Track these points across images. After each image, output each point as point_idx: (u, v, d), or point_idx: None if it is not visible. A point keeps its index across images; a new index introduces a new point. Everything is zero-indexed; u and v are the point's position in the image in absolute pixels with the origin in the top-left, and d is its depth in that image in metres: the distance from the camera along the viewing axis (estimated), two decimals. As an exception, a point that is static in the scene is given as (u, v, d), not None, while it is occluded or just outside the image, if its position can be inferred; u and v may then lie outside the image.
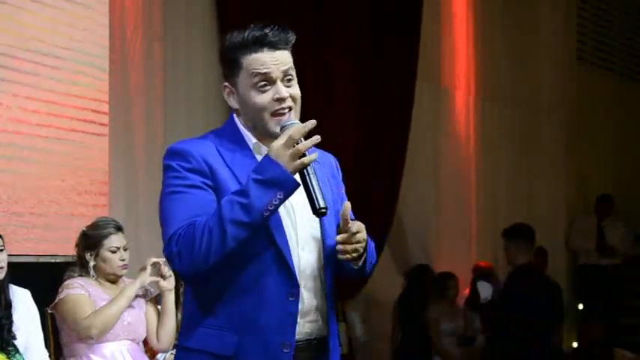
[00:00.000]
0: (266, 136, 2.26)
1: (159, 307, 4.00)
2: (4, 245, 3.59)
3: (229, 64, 2.27)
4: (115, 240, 3.84)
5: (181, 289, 4.14)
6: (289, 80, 2.26)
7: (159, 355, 4.02)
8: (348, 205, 2.23)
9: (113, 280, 3.88)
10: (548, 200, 8.78)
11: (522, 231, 6.11)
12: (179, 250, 2.12)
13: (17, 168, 4.52)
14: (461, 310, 7.08)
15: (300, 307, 2.22)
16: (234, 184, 2.18)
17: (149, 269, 3.89)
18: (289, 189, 2.11)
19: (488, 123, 8.11)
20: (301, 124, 2.16)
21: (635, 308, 8.82)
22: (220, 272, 2.15)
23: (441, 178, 7.58)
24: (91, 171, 4.86)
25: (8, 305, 3.53)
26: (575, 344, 8.62)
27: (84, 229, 3.89)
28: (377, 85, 6.71)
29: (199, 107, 5.63)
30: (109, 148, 4.96)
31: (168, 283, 3.92)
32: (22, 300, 3.65)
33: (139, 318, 3.86)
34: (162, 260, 3.96)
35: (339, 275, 2.38)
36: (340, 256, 2.22)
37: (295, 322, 2.21)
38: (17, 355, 3.47)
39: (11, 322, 3.51)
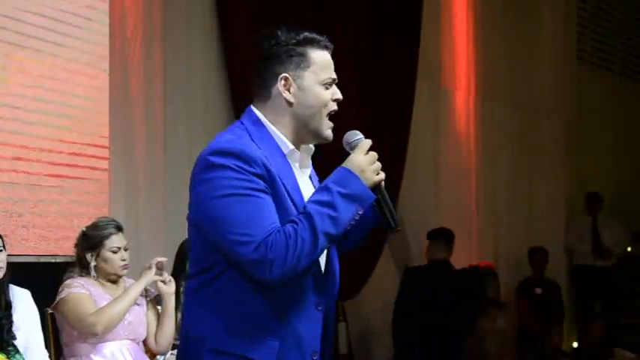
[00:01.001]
0: (312, 135, 2.30)
1: (158, 307, 3.99)
2: (4, 246, 3.58)
3: (295, 57, 2.27)
4: (115, 240, 3.83)
5: (182, 289, 4.14)
6: None
7: (159, 356, 4.01)
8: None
9: (114, 280, 3.88)
10: (548, 200, 8.78)
11: (443, 233, 6.80)
12: (273, 258, 2.09)
13: (17, 168, 4.52)
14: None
15: None
16: (283, 193, 2.19)
17: (154, 269, 3.88)
18: (368, 205, 2.18)
19: (488, 123, 8.10)
20: (369, 140, 2.24)
21: (635, 308, 8.82)
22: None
23: (441, 178, 7.58)
24: (90, 171, 4.86)
25: (8, 305, 3.53)
26: (575, 344, 8.62)
27: (83, 229, 3.88)
28: (377, 85, 6.71)
29: (199, 107, 5.62)
30: (109, 147, 4.96)
31: (169, 287, 3.92)
32: (22, 300, 3.64)
33: (139, 318, 3.85)
34: (165, 260, 3.96)
35: (351, 244, 2.45)
36: None
37: (321, 330, 2.27)
38: (17, 355, 3.47)
39: (11, 322, 3.50)
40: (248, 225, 2.10)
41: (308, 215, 2.11)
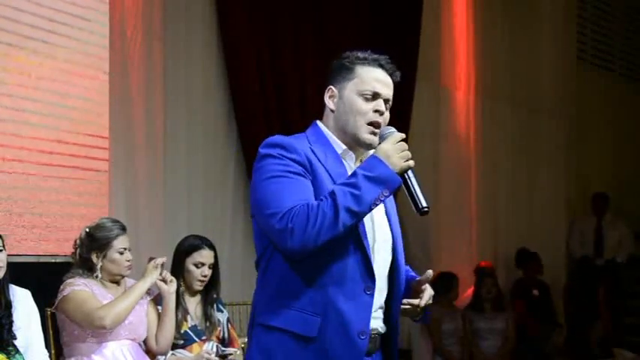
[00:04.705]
0: (352, 139, 2.50)
1: (158, 307, 3.99)
2: (4, 246, 3.57)
3: (342, 71, 2.56)
4: (122, 241, 3.84)
5: (182, 287, 4.14)
6: (386, 107, 2.54)
7: (159, 356, 4.00)
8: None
9: (117, 280, 3.87)
10: (548, 200, 8.77)
11: None
12: (293, 227, 2.27)
13: (17, 168, 4.52)
14: (461, 310, 7.08)
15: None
16: (329, 181, 2.39)
17: (159, 269, 3.88)
18: (394, 187, 2.37)
19: (488, 123, 8.10)
20: (400, 133, 2.43)
21: (635, 308, 8.82)
22: (311, 260, 2.33)
23: (441, 178, 7.57)
24: (90, 171, 4.86)
25: (8, 305, 3.52)
26: (575, 344, 8.61)
27: (87, 229, 3.86)
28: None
29: (199, 107, 5.62)
30: (109, 148, 4.96)
31: (171, 287, 3.91)
32: (22, 300, 3.64)
33: (140, 317, 3.84)
34: (165, 259, 3.96)
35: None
36: (403, 306, 2.53)
37: (370, 313, 2.41)
38: (17, 355, 3.46)
39: (11, 322, 3.49)
40: (278, 199, 2.32)
41: (332, 193, 2.30)
